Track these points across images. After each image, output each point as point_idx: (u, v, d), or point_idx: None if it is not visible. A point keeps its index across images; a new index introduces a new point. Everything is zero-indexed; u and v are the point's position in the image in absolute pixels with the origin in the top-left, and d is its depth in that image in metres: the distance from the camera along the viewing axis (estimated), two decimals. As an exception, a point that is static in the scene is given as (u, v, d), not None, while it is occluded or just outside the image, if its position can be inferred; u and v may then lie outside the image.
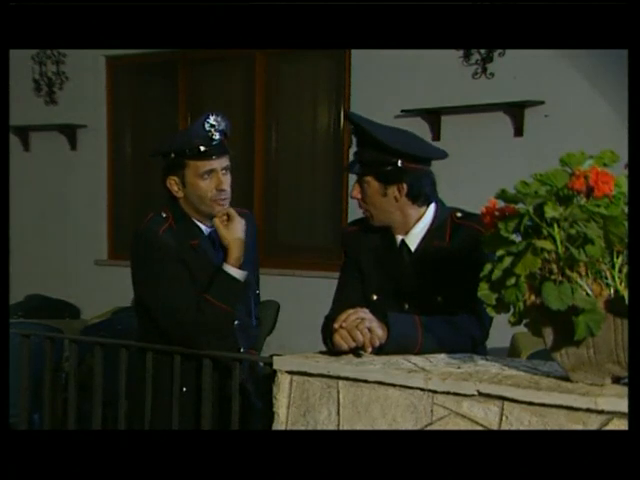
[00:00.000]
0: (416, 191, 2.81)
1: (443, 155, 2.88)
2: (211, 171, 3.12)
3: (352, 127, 2.84)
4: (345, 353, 2.55)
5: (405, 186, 2.80)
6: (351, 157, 3.00)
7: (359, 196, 2.86)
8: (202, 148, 3.10)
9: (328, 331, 2.61)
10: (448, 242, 2.82)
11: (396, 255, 2.86)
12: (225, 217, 3.15)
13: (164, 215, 3.17)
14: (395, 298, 2.83)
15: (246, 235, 3.16)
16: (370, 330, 2.54)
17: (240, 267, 3.11)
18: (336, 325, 2.55)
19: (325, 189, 6.79)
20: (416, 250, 2.84)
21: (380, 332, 2.55)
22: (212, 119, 3.14)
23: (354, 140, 2.86)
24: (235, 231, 3.12)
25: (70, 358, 3.45)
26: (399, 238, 2.87)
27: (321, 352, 2.60)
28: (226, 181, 3.15)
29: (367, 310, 2.61)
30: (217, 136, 3.12)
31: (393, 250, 2.87)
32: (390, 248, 2.88)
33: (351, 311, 2.58)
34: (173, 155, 3.16)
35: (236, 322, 3.19)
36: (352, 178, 6.27)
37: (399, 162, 2.78)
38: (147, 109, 7.53)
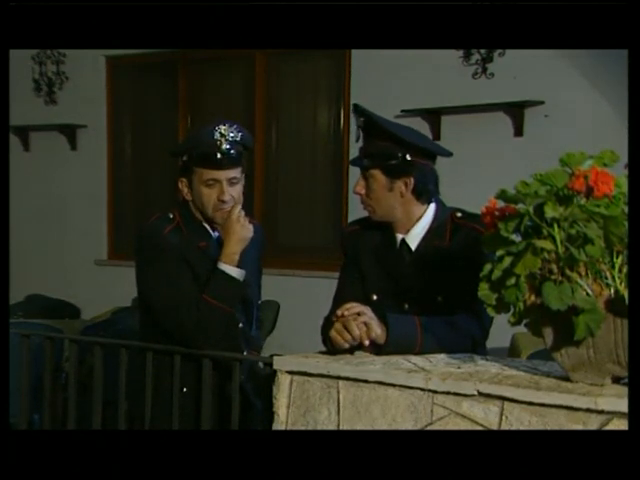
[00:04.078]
0: (421, 187, 2.81)
1: (448, 153, 2.89)
2: (214, 180, 3.08)
3: (361, 119, 2.82)
4: (343, 352, 2.55)
5: (412, 180, 2.80)
6: (352, 153, 3.00)
7: (363, 191, 2.85)
8: (207, 157, 3.06)
9: (327, 331, 2.61)
10: (448, 242, 2.82)
11: (396, 254, 2.86)
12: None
13: (171, 216, 3.16)
14: (395, 298, 2.83)
15: (250, 243, 3.13)
16: (367, 326, 2.53)
17: (238, 265, 3.09)
18: (338, 313, 2.55)
19: (325, 189, 6.79)
20: (416, 249, 2.84)
21: (379, 331, 2.55)
22: (223, 128, 3.07)
23: (360, 134, 2.85)
24: (229, 229, 3.09)
25: (70, 358, 3.45)
26: (399, 237, 2.86)
27: (321, 352, 2.60)
28: (231, 192, 3.09)
29: (368, 307, 2.60)
30: (226, 146, 3.05)
31: (393, 249, 2.87)
32: (390, 247, 2.88)
33: (354, 304, 2.58)
34: (185, 157, 3.14)
35: (240, 325, 3.19)
36: (352, 177, 6.28)
37: (407, 155, 2.78)
38: (147, 109, 7.53)
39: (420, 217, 2.85)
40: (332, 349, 2.57)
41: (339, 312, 2.55)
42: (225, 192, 3.09)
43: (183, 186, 3.16)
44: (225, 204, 3.09)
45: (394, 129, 2.79)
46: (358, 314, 2.55)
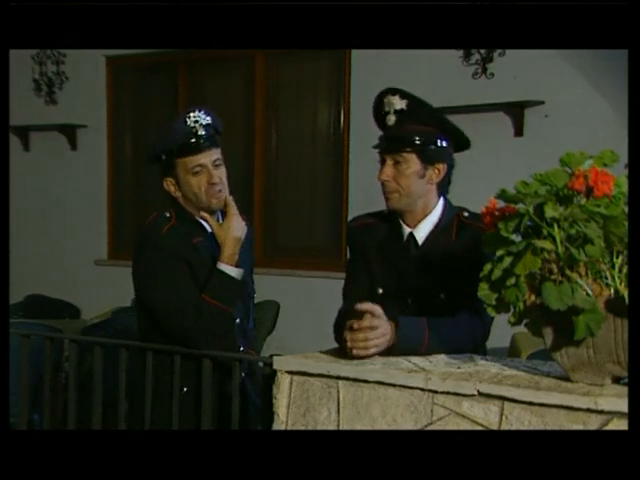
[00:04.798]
0: (447, 177, 2.84)
1: (468, 144, 2.91)
2: (200, 166, 3.11)
3: (404, 101, 2.80)
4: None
5: (445, 168, 2.81)
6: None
7: (390, 178, 2.82)
8: (188, 144, 3.09)
9: (339, 327, 2.61)
10: (454, 240, 2.83)
11: (403, 247, 2.87)
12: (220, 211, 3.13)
13: (168, 215, 3.17)
14: (399, 292, 2.83)
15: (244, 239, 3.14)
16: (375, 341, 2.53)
17: (236, 265, 3.10)
18: (353, 325, 2.54)
19: (325, 189, 6.79)
20: (422, 245, 2.85)
21: (385, 346, 2.54)
22: (194, 115, 3.12)
23: (392, 118, 2.82)
24: (229, 228, 3.10)
25: (70, 358, 3.45)
26: (407, 230, 2.87)
27: (321, 352, 2.60)
28: (218, 174, 3.13)
29: (381, 317, 2.56)
30: (202, 131, 3.10)
31: (400, 242, 2.87)
32: (397, 240, 2.88)
33: (373, 323, 2.53)
34: (164, 156, 3.15)
35: (237, 320, 3.19)
36: (352, 177, 6.29)
37: (444, 142, 2.79)
38: (147, 109, 7.53)
39: (430, 211, 2.86)
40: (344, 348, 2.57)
41: (354, 325, 2.54)
42: (213, 175, 3.12)
43: (170, 185, 3.18)
44: (216, 186, 3.11)
45: (440, 114, 2.81)
46: (371, 328, 2.53)
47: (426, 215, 2.86)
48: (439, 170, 2.82)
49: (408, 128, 2.80)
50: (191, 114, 3.13)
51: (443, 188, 2.87)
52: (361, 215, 3.06)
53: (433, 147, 2.80)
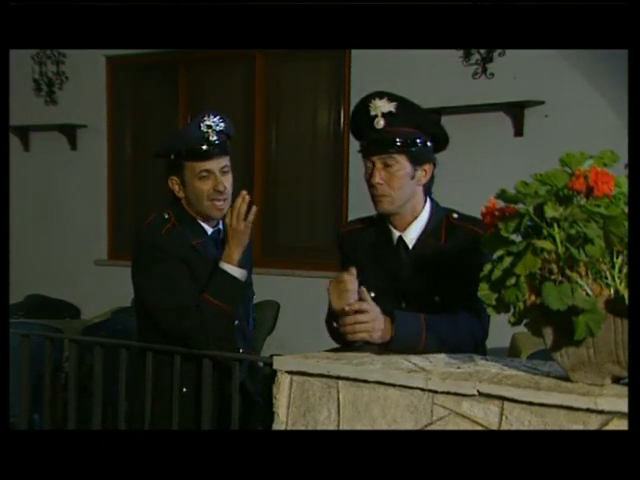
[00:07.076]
0: (432, 177, 2.84)
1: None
2: (208, 172, 3.11)
3: (393, 104, 2.79)
4: (351, 345, 2.56)
5: (432, 168, 2.81)
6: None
7: (383, 181, 2.80)
8: (197, 150, 3.09)
9: (330, 324, 2.61)
10: (444, 242, 2.82)
11: (393, 251, 2.86)
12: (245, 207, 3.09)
13: (166, 216, 3.17)
14: (393, 296, 2.83)
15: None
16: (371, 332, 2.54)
17: (240, 265, 3.10)
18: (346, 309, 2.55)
19: (325, 190, 6.79)
20: (413, 248, 2.84)
21: (379, 335, 2.55)
22: (208, 120, 3.12)
23: (381, 122, 2.79)
24: (238, 229, 3.09)
25: (70, 358, 3.45)
26: (396, 234, 2.86)
27: (321, 352, 2.60)
28: (224, 181, 3.14)
29: (374, 311, 2.57)
30: (214, 137, 3.10)
31: (390, 246, 2.87)
32: (387, 244, 2.87)
33: (363, 307, 2.55)
34: (173, 156, 3.15)
35: (236, 322, 3.19)
36: (353, 177, 6.29)
37: (428, 142, 2.79)
38: (147, 109, 7.53)
39: (419, 214, 2.85)
40: (342, 343, 2.57)
41: (345, 307, 2.56)
42: (220, 182, 3.12)
43: (174, 184, 3.18)
44: (221, 194, 3.11)
45: (426, 113, 2.81)
46: (360, 311, 2.54)
47: (415, 218, 2.84)
48: (426, 170, 2.82)
49: (398, 130, 2.79)
50: (205, 119, 3.12)
51: (429, 189, 2.86)
52: (350, 221, 3.07)
53: (422, 147, 2.80)
